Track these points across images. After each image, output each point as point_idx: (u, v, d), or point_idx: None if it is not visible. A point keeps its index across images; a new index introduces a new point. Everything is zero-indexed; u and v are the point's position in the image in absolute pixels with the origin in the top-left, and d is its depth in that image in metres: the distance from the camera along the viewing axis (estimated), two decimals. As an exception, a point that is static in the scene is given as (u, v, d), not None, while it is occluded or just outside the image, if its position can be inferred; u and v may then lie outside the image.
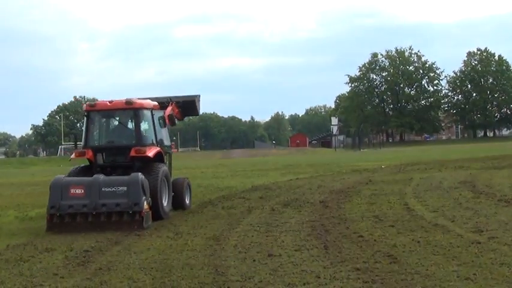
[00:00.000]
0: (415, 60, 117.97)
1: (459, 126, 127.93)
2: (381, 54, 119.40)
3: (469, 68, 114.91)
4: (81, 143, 13.11)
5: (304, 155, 63.38)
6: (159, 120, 13.05)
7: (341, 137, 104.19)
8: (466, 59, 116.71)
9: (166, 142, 13.61)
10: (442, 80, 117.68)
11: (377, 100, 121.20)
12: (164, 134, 13.40)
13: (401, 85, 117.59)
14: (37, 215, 13.59)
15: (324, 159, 46.83)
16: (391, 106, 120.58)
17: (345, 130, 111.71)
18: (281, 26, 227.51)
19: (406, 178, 19.78)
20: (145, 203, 10.77)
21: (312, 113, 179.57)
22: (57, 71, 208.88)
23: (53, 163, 67.98)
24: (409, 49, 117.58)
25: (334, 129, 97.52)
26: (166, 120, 13.54)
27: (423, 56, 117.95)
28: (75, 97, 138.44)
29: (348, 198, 14.42)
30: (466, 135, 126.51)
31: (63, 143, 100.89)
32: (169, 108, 14.05)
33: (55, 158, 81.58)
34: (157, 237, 9.65)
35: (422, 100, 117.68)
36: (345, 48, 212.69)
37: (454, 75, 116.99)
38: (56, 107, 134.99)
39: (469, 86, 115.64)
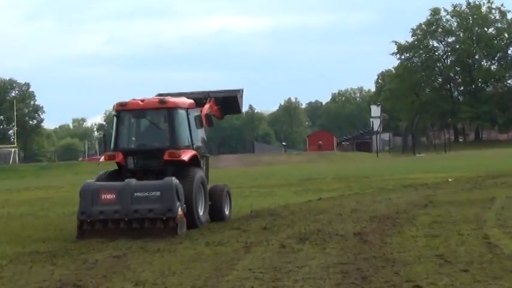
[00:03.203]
0: (498, 18, 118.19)
1: None
2: (445, 10, 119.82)
3: None
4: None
5: (331, 163, 63.48)
6: (195, 120, 16.49)
7: (386, 136, 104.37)
8: None
9: (203, 144, 17.30)
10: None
11: (440, 79, 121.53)
12: (201, 135, 17.01)
13: (477, 56, 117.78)
14: None
15: (360, 169, 46.98)
16: (462, 88, 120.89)
17: (392, 125, 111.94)
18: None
19: (485, 197, 19.87)
20: (179, 209, 14.30)
21: (341, 100, 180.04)
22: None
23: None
24: (488, 2, 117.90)
25: (376, 124, 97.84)
26: (203, 121, 16.98)
27: (509, 11, 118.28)
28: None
29: (397, 228, 14.50)
30: None
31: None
32: (206, 106, 17.66)
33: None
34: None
35: (509, 79, 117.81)
36: (389, 1, 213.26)
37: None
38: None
39: None
